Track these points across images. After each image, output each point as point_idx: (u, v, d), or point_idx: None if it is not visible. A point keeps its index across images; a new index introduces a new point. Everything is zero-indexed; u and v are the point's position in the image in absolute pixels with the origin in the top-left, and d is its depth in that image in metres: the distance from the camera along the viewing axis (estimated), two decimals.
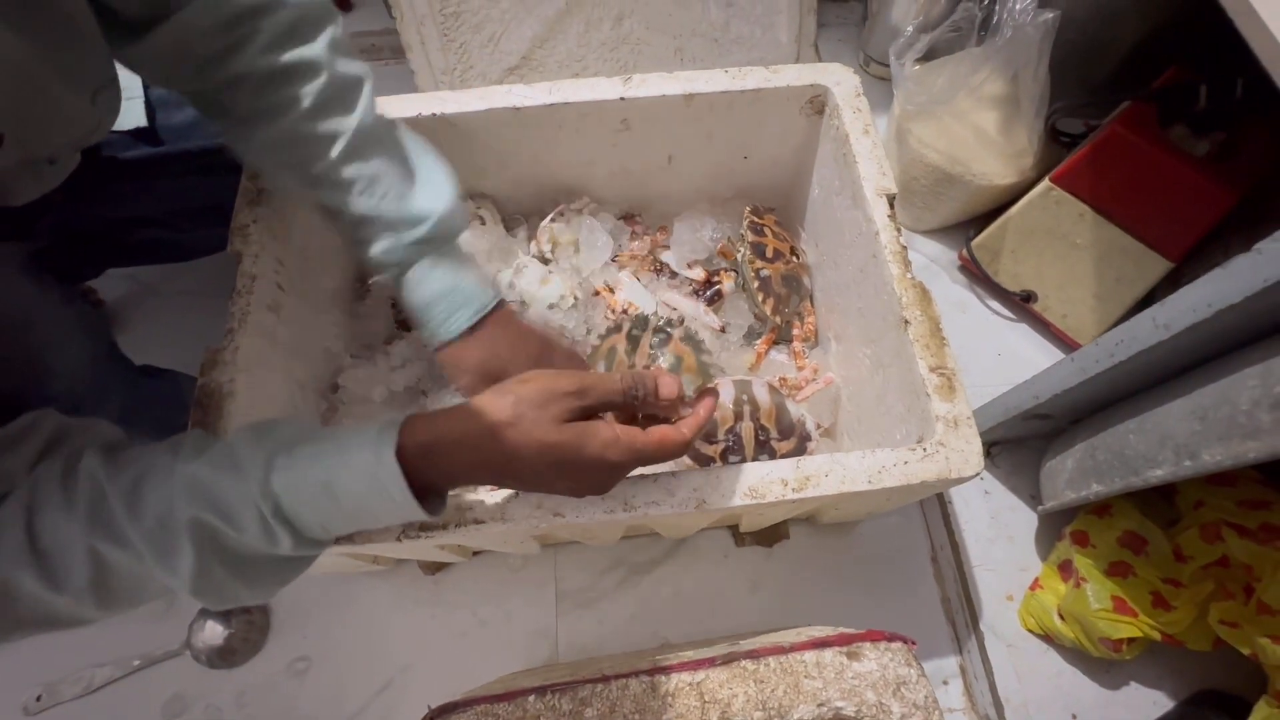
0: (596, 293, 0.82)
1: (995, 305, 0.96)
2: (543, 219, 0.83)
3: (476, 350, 0.60)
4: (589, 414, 0.41)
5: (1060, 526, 0.77)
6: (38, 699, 0.75)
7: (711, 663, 0.50)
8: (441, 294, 0.59)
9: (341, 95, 0.55)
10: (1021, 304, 0.91)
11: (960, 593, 0.80)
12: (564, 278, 0.80)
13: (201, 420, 0.55)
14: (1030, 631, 0.76)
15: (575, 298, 0.80)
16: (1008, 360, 0.91)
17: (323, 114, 0.54)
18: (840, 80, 0.72)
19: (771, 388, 0.72)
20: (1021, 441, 0.84)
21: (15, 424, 0.41)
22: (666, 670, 0.49)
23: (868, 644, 0.51)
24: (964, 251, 0.95)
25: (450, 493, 0.47)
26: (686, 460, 0.69)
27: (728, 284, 0.82)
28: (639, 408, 0.43)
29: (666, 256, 0.85)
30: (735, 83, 0.72)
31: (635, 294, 0.80)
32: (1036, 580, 0.77)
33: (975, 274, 0.95)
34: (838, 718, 0.48)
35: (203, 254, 0.83)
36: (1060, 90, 0.84)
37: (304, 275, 0.71)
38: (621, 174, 0.83)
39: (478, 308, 0.60)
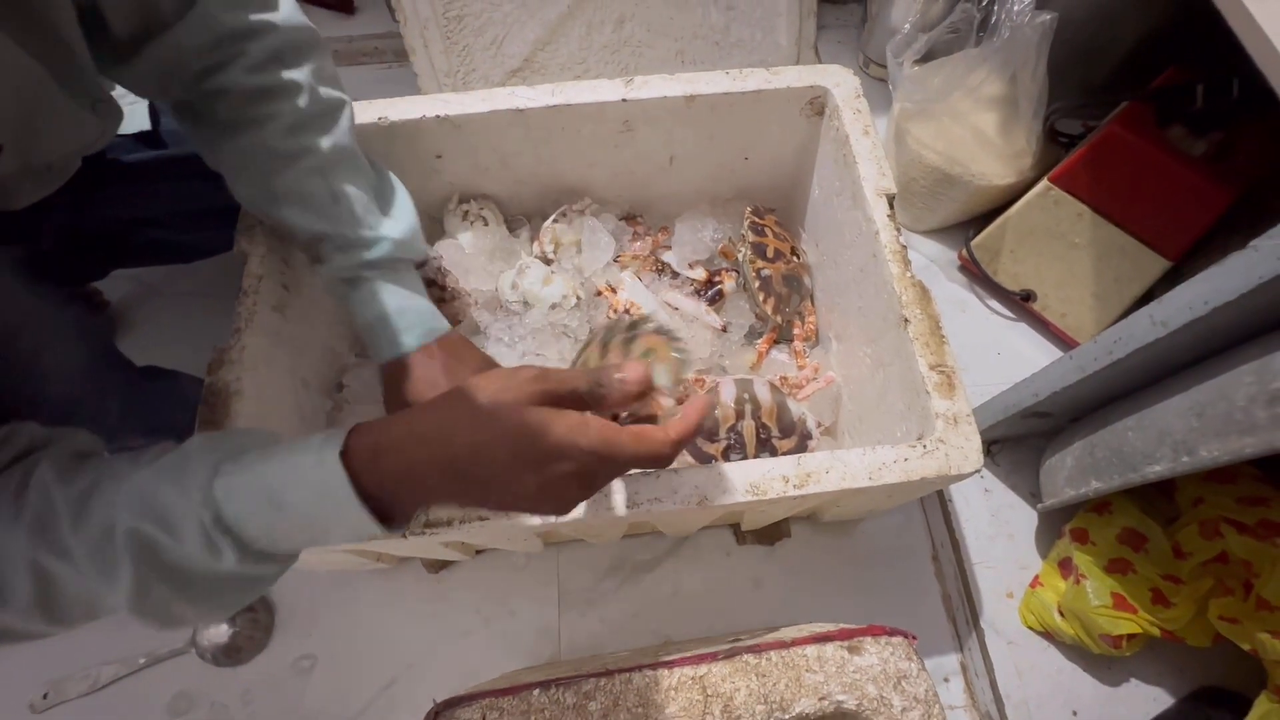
0: (599, 293, 0.82)
1: (995, 304, 0.97)
2: (545, 220, 0.83)
3: (425, 370, 0.59)
4: (555, 404, 0.36)
5: (1060, 524, 0.77)
6: (44, 697, 0.75)
7: (714, 657, 0.50)
8: (394, 312, 0.60)
9: (319, 118, 0.57)
10: (1021, 303, 0.92)
11: (961, 590, 0.80)
12: (566, 278, 0.81)
13: (209, 419, 0.56)
14: (1030, 629, 0.76)
15: (578, 297, 0.80)
16: (1008, 359, 0.92)
17: (297, 133, 0.56)
18: (840, 82, 0.73)
19: (773, 386, 0.73)
20: (1021, 440, 0.85)
21: None
22: (669, 664, 0.50)
23: (869, 638, 0.51)
24: (964, 251, 0.95)
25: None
26: (688, 459, 0.70)
27: (729, 284, 0.83)
28: (609, 401, 0.37)
29: (668, 257, 0.86)
30: (736, 84, 0.72)
31: (637, 294, 0.81)
32: (1037, 578, 0.77)
33: (975, 273, 0.95)
34: (839, 711, 0.48)
35: (206, 255, 0.84)
36: (1059, 91, 0.84)
37: (309, 276, 0.71)
38: (623, 175, 0.83)
39: (430, 328, 0.61)
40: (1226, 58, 0.57)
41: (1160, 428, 0.56)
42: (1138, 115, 0.76)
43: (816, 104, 0.75)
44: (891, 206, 0.65)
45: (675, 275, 0.85)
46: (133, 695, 0.76)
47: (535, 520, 0.51)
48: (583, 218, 0.83)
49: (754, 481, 0.52)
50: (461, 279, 0.83)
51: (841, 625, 0.56)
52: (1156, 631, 0.66)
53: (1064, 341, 0.91)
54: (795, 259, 0.84)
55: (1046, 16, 0.76)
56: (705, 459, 0.69)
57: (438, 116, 0.72)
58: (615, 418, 0.44)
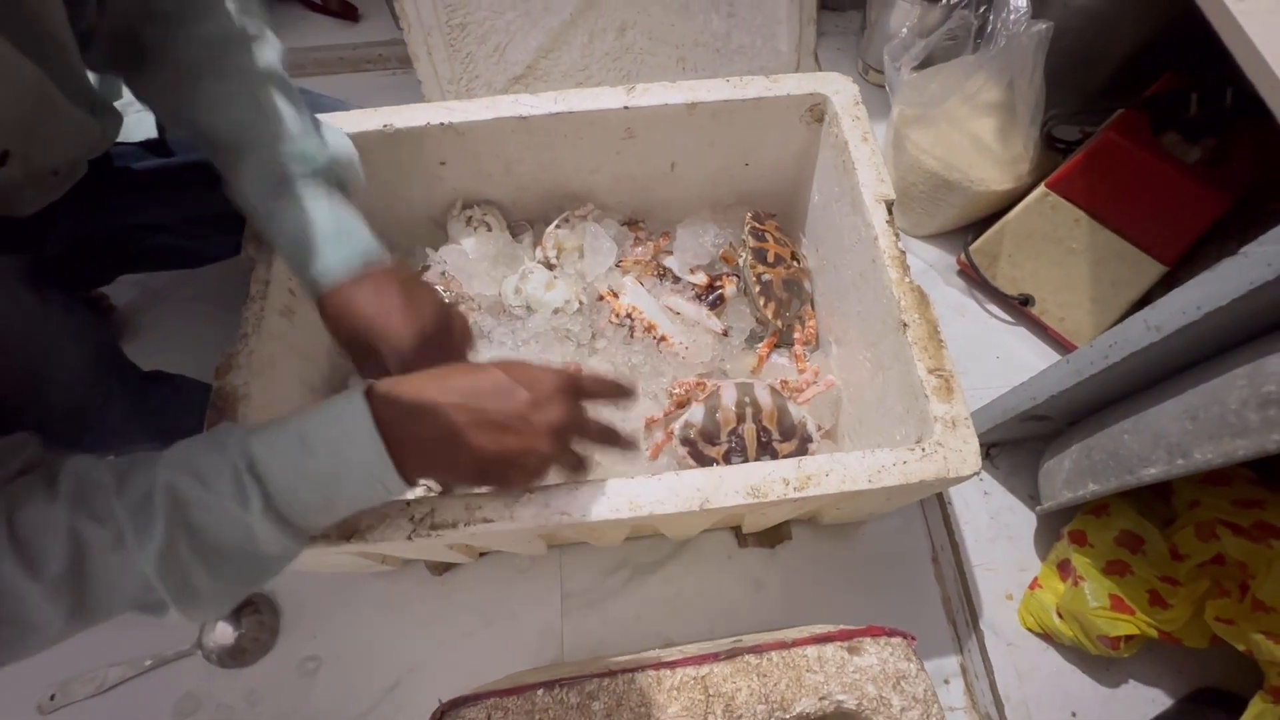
0: (601, 297, 0.83)
1: (994, 309, 0.98)
2: (548, 225, 0.84)
3: (367, 296, 0.53)
4: None
5: (1059, 526, 0.78)
6: (51, 698, 0.76)
7: (715, 657, 0.51)
8: (329, 232, 0.54)
9: (244, 39, 0.56)
10: (1019, 307, 0.93)
11: (960, 592, 0.81)
12: (569, 283, 0.82)
13: (217, 423, 0.56)
14: (1030, 630, 0.77)
15: (580, 302, 0.81)
16: (1006, 363, 0.93)
17: (223, 47, 0.55)
18: (839, 89, 0.74)
19: (773, 390, 0.74)
20: (1020, 443, 0.86)
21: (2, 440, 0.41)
22: (672, 665, 0.50)
23: (868, 639, 0.52)
24: (962, 256, 0.96)
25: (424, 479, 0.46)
26: (690, 462, 0.71)
27: (730, 288, 0.84)
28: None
29: (669, 262, 0.87)
30: (736, 92, 0.73)
31: (639, 298, 0.82)
32: (1035, 580, 0.78)
33: (974, 278, 0.96)
34: (839, 711, 0.49)
35: (213, 261, 0.84)
36: (1056, 98, 0.85)
37: None
38: (625, 181, 0.84)
39: (371, 252, 0.55)
40: (1220, 66, 0.58)
41: (1155, 431, 0.56)
42: (1133, 122, 0.77)
43: (816, 111, 0.76)
44: (890, 212, 0.66)
45: (677, 280, 0.86)
46: (139, 697, 0.77)
47: (541, 520, 0.52)
48: (585, 223, 0.84)
49: (755, 484, 0.53)
50: (465, 284, 0.83)
51: (842, 626, 0.56)
52: (1154, 633, 0.66)
53: (1062, 345, 0.92)
54: (795, 264, 0.85)
55: (1042, 25, 0.77)
56: (706, 462, 0.70)
57: (442, 124, 0.72)
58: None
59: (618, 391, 0.49)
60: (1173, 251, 0.77)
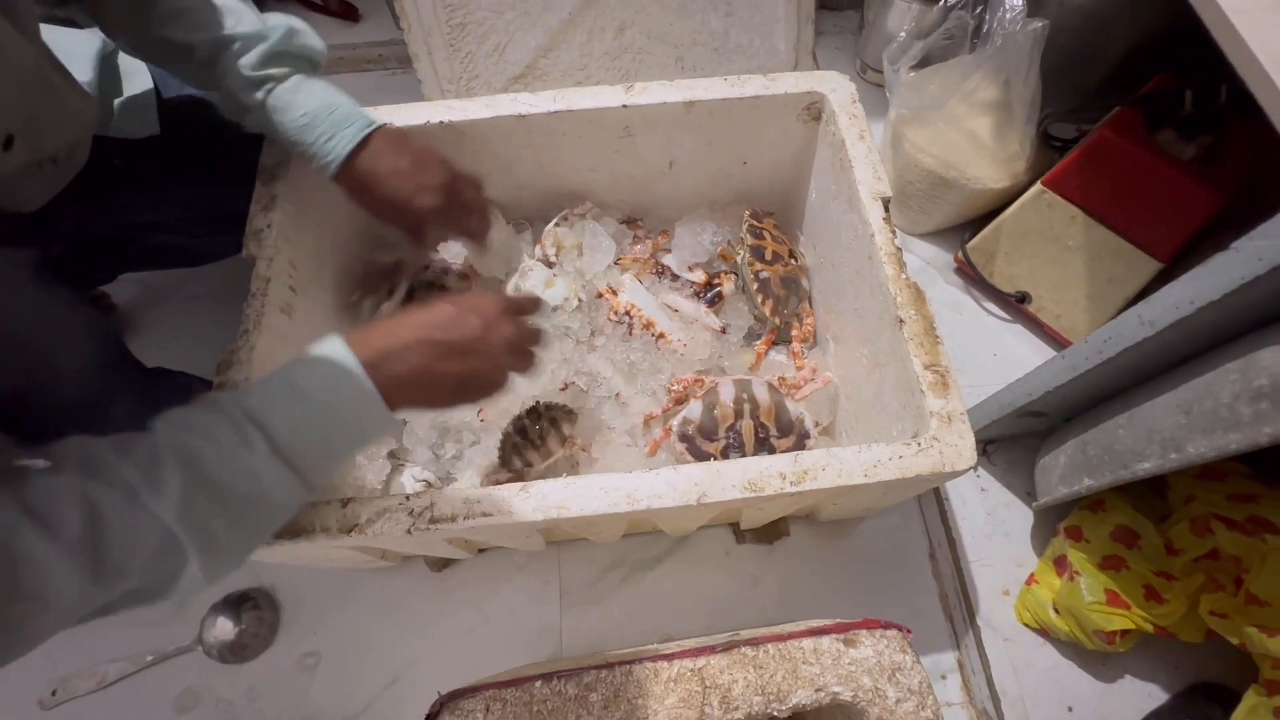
0: (600, 295, 0.83)
1: (991, 306, 0.98)
2: (547, 223, 0.85)
3: (377, 161, 0.62)
4: None
5: (1055, 522, 0.78)
6: (53, 694, 0.76)
7: (712, 650, 0.51)
8: (319, 111, 0.60)
9: None
10: (1016, 305, 0.93)
11: (958, 588, 0.81)
12: (568, 280, 0.82)
13: None
14: (1026, 625, 0.77)
15: (579, 300, 0.82)
16: (1003, 360, 0.93)
17: None
18: (836, 87, 0.74)
19: (771, 386, 0.74)
20: (1017, 439, 0.86)
21: None
22: (669, 657, 0.51)
23: (864, 632, 0.52)
24: (959, 254, 0.97)
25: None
26: (687, 458, 0.71)
27: (728, 286, 0.84)
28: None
29: (668, 259, 0.87)
30: (734, 90, 0.74)
31: (637, 296, 0.82)
32: (1032, 575, 0.78)
33: (971, 276, 0.97)
34: (835, 702, 0.49)
35: (213, 259, 0.85)
36: (1052, 96, 0.86)
37: (315, 279, 0.73)
38: (624, 179, 0.85)
39: (364, 123, 0.62)
40: (1214, 64, 0.58)
41: (1149, 425, 0.57)
42: (1128, 120, 0.78)
43: (813, 109, 0.76)
44: (887, 209, 0.66)
45: (675, 278, 0.86)
46: (140, 692, 0.77)
47: (540, 514, 0.52)
48: (584, 221, 0.85)
49: (752, 478, 0.54)
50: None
51: (838, 620, 0.57)
52: (1149, 627, 0.67)
53: (1059, 342, 0.92)
54: (793, 261, 0.85)
55: (1038, 24, 0.78)
56: (704, 458, 0.71)
57: (441, 122, 0.73)
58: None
59: (536, 304, 0.58)
60: (1168, 248, 0.78)
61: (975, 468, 0.86)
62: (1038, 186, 0.84)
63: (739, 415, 0.71)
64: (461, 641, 0.79)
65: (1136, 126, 0.77)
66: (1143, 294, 0.83)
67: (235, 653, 0.78)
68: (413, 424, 0.77)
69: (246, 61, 0.59)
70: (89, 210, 0.70)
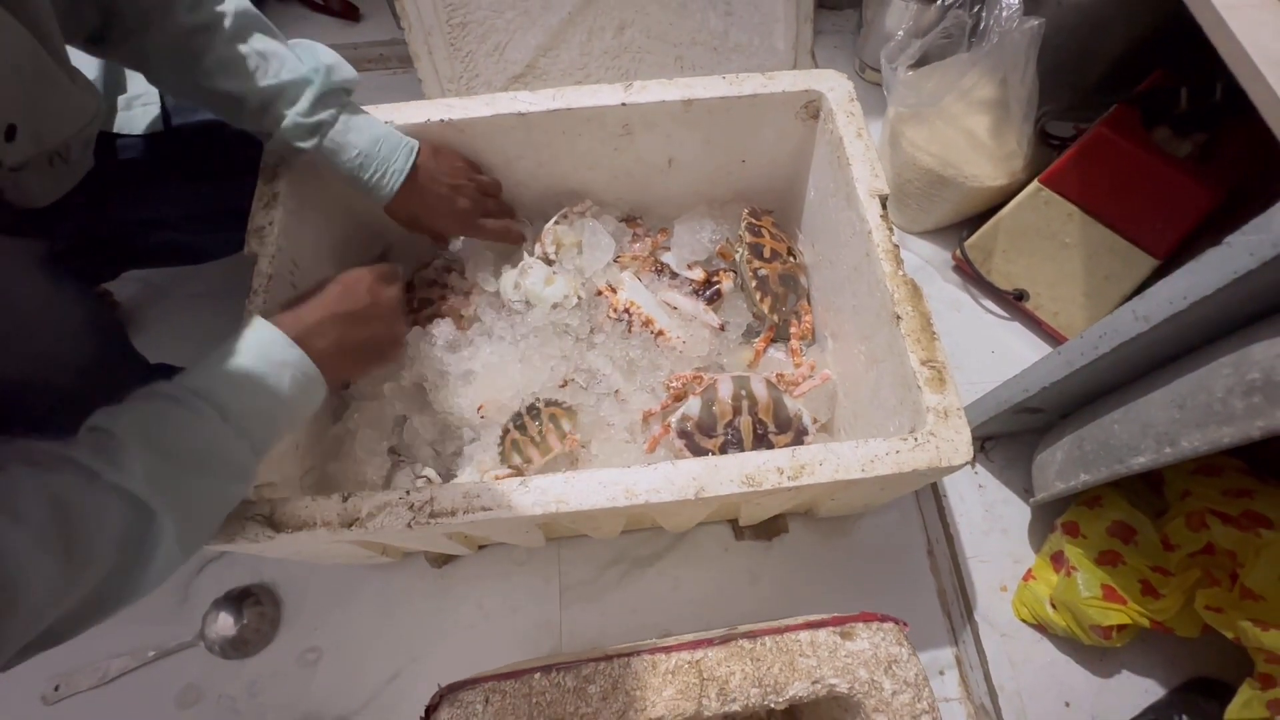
0: (599, 293, 0.84)
1: (988, 304, 0.98)
2: (547, 221, 0.85)
3: (424, 195, 0.70)
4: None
5: (1052, 518, 0.78)
6: (55, 689, 0.77)
7: (710, 643, 0.52)
8: (367, 150, 0.66)
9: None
10: (1014, 302, 0.94)
11: (955, 584, 0.81)
12: (567, 278, 0.82)
13: None
14: (1024, 621, 0.78)
15: (579, 297, 0.82)
16: (1001, 357, 0.93)
17: (200, 6, 0.60)
18: (834, 85, 0.75)
19: (769, 383, 0.74)
20: (1014, 436, 0.86)
21: None
22: (667, 650, 0.51)
23: (861, 624, 0.53)
24: (957, 252, 0.97)
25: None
26: (686, 455, 0.71)
27: (727, 284, 0.85)
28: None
29: (667, 257, 0.88)
30: (733, 88, 0.74)
31: (637, 294, 0.82)
32: (1029, 571, 0.78)
33: (968, 274, 0.97)
34: (832, 694, 0.50)
35: (216, 257, 0.85)
36: (1049, 94, 0.86)
37: (317, 275, 0.73)
38: (623, 177, 0.85)
39: (407, 151, 0.68)
40: (1210, 62, 0.58)
41: (1144, 420, 0.57)
42: (1125, 118, 0.78)
43: (811, 107, 0.77)
44: (884, 207, 0.67)
45: (674, 275, 0.87)
46: (142, 687, 0.78)
47: (539, 508, 0.53)
48: (583, 219, 0.85)
49: (749, 473, 0.54)
50: (469, 275, 0.85)
51: (835, 615, 0.57)
52: (1146, 622, 0.67)
53: (1056, 340, 0.93)
54: (791, 259, 0.86)
55: (1035, 22, 0.78)
56: (703, 454, 0.71)
57: (441, 120, 0.73)
58: None
59: (397, 272, 0.67)
60: (1165, 245, 0.78)
61: (973, 464, 0.87)
62: (1035, 184, 0.84)
63: (737, 412, 0.72)
64: (462, 637, 0.80)
65: (1133, 124, 0.78)
66: (1139, 291, 0.82)
67: (237, 648, 0.78)
68: (414, 421, 0.78)
69: (298, 110, 0.63)
70: (92, 207, 0.70)
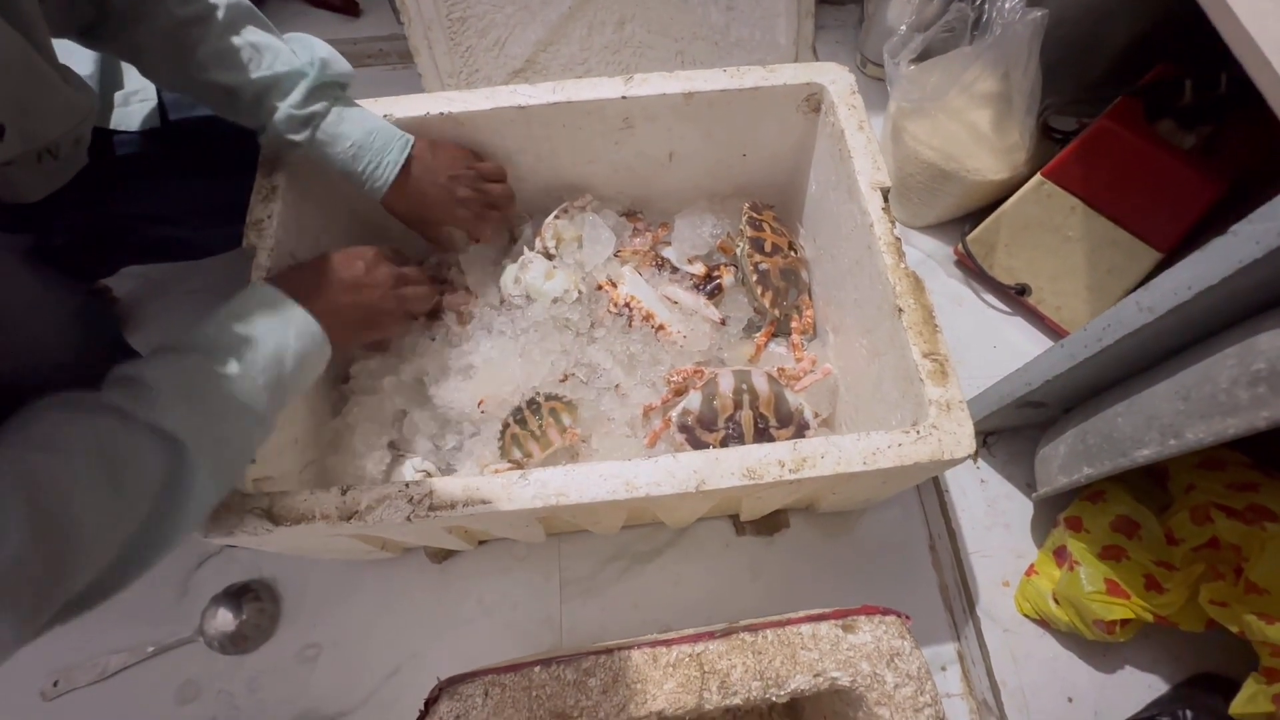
0: (600, 287, 0.83)
1: (990, 299, 0.98)
2: (547, 216, 0.85)
3: (422, 181, 0.70)
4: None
5: (1055, 513, 0.78)
6: (54, 684, 0.76)
7: (711, 635, 0.51)
8: (361, 142, 0.66)
9: None
10: (1016, 297, 0.93)
11: (957, 579, 0.81)
12: (568, 272, 0.82)
13: None
14: (1026, 616, 0.77)
15: (579, 292, 0.82)
16: (1003, 352, 0.93)
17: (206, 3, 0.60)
18: (835, 78, 0.74)
19: (770, 377, 0.74)
20: (1017, 431, 0.86)
21: None
22: (668, 643, 0.51)
23: (863, 618, 0.52)
24: (959, 246, 0.97)
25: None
26: (687, 449, 0.71)
27: (727, 278, 0.84)
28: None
29: (667, 252, 0.87)
30: (734, 81, 0.74)
31: (637, 288, 0.82)
32: (1032, 566, 0.78)
33: (971, 268, 0.97)
34: (834, 687, 0.49)
35: (214, 252, 0.85)
36: (1052, 87, 0.86)
37: None
38: (624, 172, 0.85)
39: (402, 144, 0.68)
40: (1214, 53, 0.58)
41: (1148, 412, 0.57)
42: (1128, 110, 0.78)
43: (813, 100, 0.76)
44: (886, 199, 0.66)
45: (675, 270, 0.86)
46: (141, 683, 0.78)
47: (540, 501, 0.52)
48: (584, 214, 0.85)
49: (751, 466, 0.54)
50: (467, 272, 0.84)
51: (836, 608, 0.57)
52: (1149, 617, 0.66)
53: (1058, 334, 0.92)
54: (793, 253, 0.85)
55: (1038, 13, 0.78)
56: (704, 448, 0.70)
57: (441, 114, 0.73)
58: None
59: (402, 255, 0.73)
60: (1168, 238, 0.78)
61: (975, 459, 0.86)
62: (1037, 177, 0.84)
63: (738, 406, 0.71)
64: (462, 633, 0.79)
65: (1136, 116, 0.77)
66: (1142, 285, 0.82)
67: (236, 644, 0.78)
68: (413, 415, 0.78)
69: (292, 100, 0.62)
70: (90, 202, 0.70)
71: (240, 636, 0.78)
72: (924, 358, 0.59)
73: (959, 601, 0.80)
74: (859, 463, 0.54)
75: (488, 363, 0.77)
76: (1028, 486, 0.84)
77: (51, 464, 0.37)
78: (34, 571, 0.34)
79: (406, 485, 0.53)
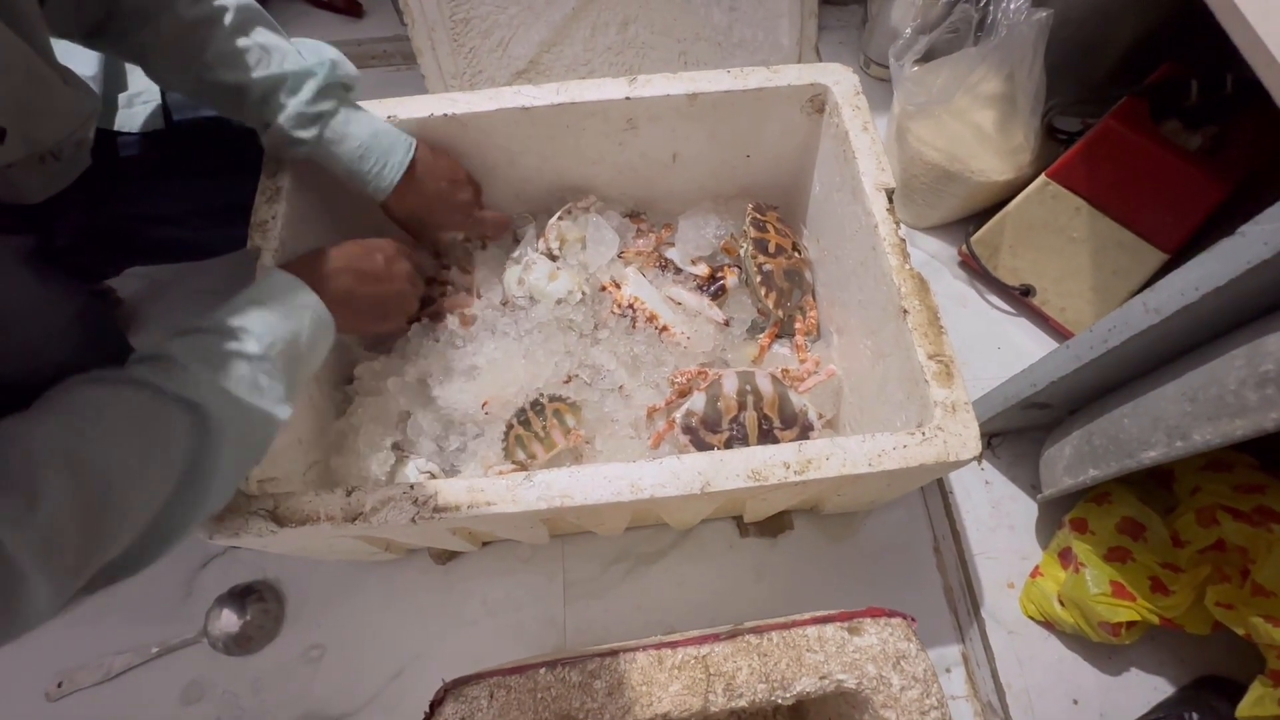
0: (603, 288, 0.83)
1: (995, 300, 0.98)
2: (551, 217, 0.85)
3: (425, 183, 0.70)
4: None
5: (1060, 515, 0.78)
6: (59, 685, 0.76)
7: (716, 638, 0.51)
8: (368, 143, 0.66)
9: None
10: (1020, 298, 0.93)
11: (962, 581, 0.81)
12: (571, 274, 0.82)
13: None
14: (1031, 618, 0.77)
15: (583, 293, 0.82)
16: (1008, 353, 0.93)
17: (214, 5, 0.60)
18: (839, 79, 0.74)
19: (774, 378, 0.74)
20: (1022, 432, 0.86)
21: None
22: (673, 645, 0.51)
23: (868, 620, 0.52)
24: (964, 247, 0.96)
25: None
26: (691, 450, 0.71)
27: (731, 279, 0.84)
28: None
29: (671, 253, 0.87)
30: (737, 82, 0.74)
31: (641, 289, 0.82)
32: (1037, 568, 0.78)
33: (975, 269, 0.96)
34: (840, 690, 0.49)
35: (217, 253, 0.85)
36: (1057, 88, 0.85)
37: None
38: (627, 173, 0.85)
39: (405, 146, 0.68)
40: (1220, 53, 0.58)
41: (1155, 414, 0.57)
42: (1133, 110, 0.77)
43: (817, 101, 0.76)
44: (890, 200, 0.66)
45: (678, 271, 0.86)
46: (145, 684, 0.78)
47: (544, 502, 0.52)
48: (587, 215, 0.85)
49: (756, 467, 0.54)
50: (471, 273, 0.84)
51: (842, 610, 0.57)
52: (1155, 619, 0.66)
53: (1063, 335, 0.92)
54: (797, 254, 0.85)
55: (1043, 14, 0.78)
56: (707, 449, 0.70)
57: (445, 115, 0.73)
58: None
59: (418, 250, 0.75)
60: (1174, 239, 0.77)
61: (980, 461, 0.86)
62: (1042, 178, 0.84)
63: (742, 407, 0.71)
64: (465, 634, 0.79)
65: (1142, 116, 0.77)
66: (1147, 286, 0.82)
67: (240, 645, 0.78)
68: (417, 416, 0.78)
69: (302, 98, 0.63)
70: (94, 203, 0.70)
71: (244, 637, 0.78)
72: (929, 359, 0.58)
73: (964, 603, 0.80)
74: (864, 464, 0.54)
75: (491, 364, 0.77)
76: (1032, 488, 0.84)
77: (88, 431, 0.38)
78: (73, 533, 0.36)
79: (411, 487, 0.53)
